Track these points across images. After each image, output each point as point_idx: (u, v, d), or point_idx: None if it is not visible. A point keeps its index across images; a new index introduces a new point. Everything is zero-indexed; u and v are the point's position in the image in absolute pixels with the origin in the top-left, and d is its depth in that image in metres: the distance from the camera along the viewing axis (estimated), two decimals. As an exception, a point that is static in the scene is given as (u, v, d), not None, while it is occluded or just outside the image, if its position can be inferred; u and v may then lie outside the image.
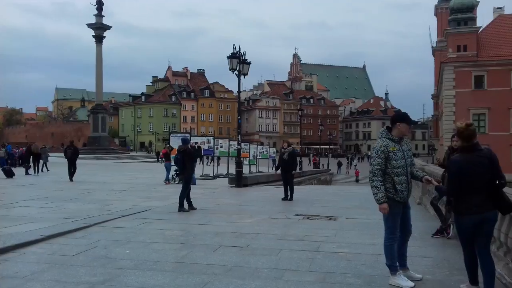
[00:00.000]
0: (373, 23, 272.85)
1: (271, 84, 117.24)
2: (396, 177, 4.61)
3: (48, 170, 24.88)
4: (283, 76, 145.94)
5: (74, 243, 6.69)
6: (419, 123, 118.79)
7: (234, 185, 17.40)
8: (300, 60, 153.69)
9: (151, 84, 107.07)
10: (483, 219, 4.19)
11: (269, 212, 10.18)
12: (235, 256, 5.95)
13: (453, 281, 4.93)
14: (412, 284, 4.65)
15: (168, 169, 18.47)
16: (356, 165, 59.31)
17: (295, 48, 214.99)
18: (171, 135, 21.18)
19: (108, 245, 6.59)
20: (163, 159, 19.59)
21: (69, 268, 5.31)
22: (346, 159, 72.67)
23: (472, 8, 49.84)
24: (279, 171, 13.47)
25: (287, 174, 12.86)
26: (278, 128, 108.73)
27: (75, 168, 18.87)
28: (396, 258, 4.80)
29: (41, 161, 24.31)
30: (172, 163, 16.67)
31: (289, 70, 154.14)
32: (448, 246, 6.71)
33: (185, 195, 10.42)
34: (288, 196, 12.72)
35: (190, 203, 10.52)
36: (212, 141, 22.84)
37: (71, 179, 18.39)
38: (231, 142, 25.10)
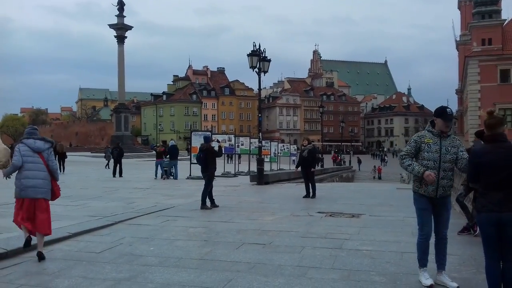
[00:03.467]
0: (398, 17, 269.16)
1: (291, 81, 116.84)
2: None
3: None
4: (303, 73, 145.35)
5: (100, 240, 6.82)
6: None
7: (255, 182, 17.43)
8: (321, 57, 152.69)
9: (172, 83, 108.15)
10: (503, 221, 3.76)
11: (291, 210, 10.16)
12: (258, 253, 5.96)
13: (480, 280, 4.82)
14: (430, 282, 4.57)
15: (158, 166, 20.19)
16: (386, 161, 59.07)
17: (315, 45, 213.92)
18: (192, 133, 21.34)
19: (133, 242, 6.69)
20: (168, 156, 20.40)
21: (96, 265, 5.42)
22: (371, 156, 71.76)
23: (496, 1, 48.64)
24: (299, 169, 13.42)
25: (307, 171, 12.82)
26: (299, 125, 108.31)
27: (121, 167, 20.89)
28: (424, 254, 4.71)
29: (66, 160, 24.77)
30: (194, 160, 17.10)
31: (309, 67, 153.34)
32: (474, 244, 6.56)
33: (207, 192, 10.50)
34: (309, 194, 12.68)
35: (212, 201, 10.59)
36: (233, 139, 22.91)
37: (117, 175, 20.33)
38: (252, 140, 25.13)
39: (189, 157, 22.98)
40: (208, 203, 10.44)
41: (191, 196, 12.64)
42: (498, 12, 47.79)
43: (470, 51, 47.90)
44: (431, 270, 4.75)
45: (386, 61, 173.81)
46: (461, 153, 4.56)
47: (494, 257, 3.85)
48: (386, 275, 4.99)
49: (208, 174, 10.68)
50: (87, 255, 5.92)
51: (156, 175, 20.14)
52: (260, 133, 19.27)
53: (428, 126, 4.68)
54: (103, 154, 32.33)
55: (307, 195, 12.67)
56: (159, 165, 20.23)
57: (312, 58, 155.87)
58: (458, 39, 70.81)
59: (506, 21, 47.17)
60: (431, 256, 4.79)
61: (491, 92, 44.18)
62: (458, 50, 69.20)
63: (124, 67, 55.43)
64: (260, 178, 17.35)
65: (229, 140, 22.52)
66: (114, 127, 57.54)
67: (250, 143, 24.63)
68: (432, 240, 4.73)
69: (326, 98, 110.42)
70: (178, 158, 21.43)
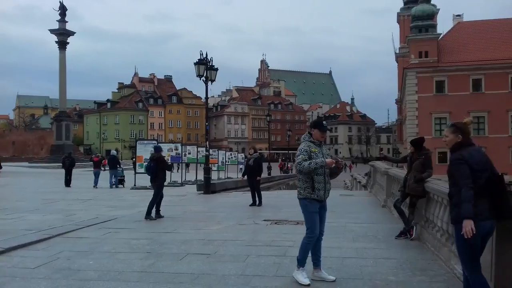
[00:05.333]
0: (345, 29, 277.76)
1: (239, 90, 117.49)
2: (315, 176, 5.00)
3: None
4: (252, 82, 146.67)
5: (35, 255, 6.48)
6: (383, 127, 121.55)
7: (202, 191, 17.29)
8: (268, 66, 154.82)
9: (117, 90, 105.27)
10: (490, 230, 3.77)
11: (237, 218, 10.17)
12: (202, 264, 5.91)
13: (416, 282, 5.07)
14: (308, 282, 4.93)
15: (96, 176, 20.70)
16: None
17: (263, 54, 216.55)
18: (137, 143, 20.88)
19: (71, 256, 6.42)
20: (105, 166, 21.07)
21: (30, 281, 5.14)
22: None
23: (432, 16, 51.62)
24: (245, 177, 13.48)
25: (253, 180, 12.91)
26: (247, 134, 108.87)
27: (71, 176, 20.93)
28: (306, 254, 5.08)
29: (0, 171, 23.44)
30: (143, 170, 17.53)
31: (257, 76, 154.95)
32: (411, 247, 6.88)
33: (155, 203, 10.33)
34: (256, 202, 12.75)
35: (158, 211, 10.39)
36: (180, 147, 22.64)
37: (68, 185, 20.41)
38: (200, 149, 24.96)
39: (132, 166, 22.97)
40: (153, 213, 10.24)
41: (135, 207, 12.34)
42: (434, 26, 50.73)
43: (408, 63, 50.43)
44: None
45: (330, 72, 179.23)
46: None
47: (480, 270, 3.77)
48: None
49: (158, 184, 10.51)
50: (21, 271, 5.61)
51: (95, 184, 20.31)
52: (207, 142, 19.19)
53: (308, 137, 5.18)
54: (50, 164, 31.43)
55: (253, 204, 12.73)
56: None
57: (260, 67, 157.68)
58: (397, 51, 74.43)
59: (441, 35, 50.15)
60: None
61: (428, 102, 46.73)
62: (397, 62, 72.74)
63: (65, 74, 53.35)
64: (207, 187, 17.25)
65: (176, 149, 22.24)
66: (54, 136, 55.06)
67: (198, 151, 24.45)
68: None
69: (273, 107, 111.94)
70: (121, 167, 21.74)
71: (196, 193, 17.30)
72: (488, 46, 46.67)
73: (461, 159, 3.77)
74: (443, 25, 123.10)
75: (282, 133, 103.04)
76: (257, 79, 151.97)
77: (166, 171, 10.90)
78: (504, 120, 45.04)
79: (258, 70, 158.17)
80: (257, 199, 12.76)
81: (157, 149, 10.85)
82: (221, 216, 10.79)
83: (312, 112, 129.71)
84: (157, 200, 10.37)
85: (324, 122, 5.26)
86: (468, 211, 3.55)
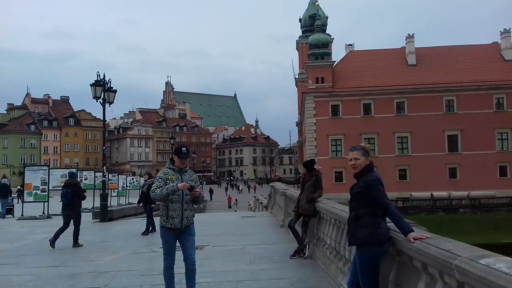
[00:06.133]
0: (251, 53, 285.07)
1: (143, 112, 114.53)
2: (170, 204, 4.97)
3: None
4: (156, 104, 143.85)
5: None
6: (286, 148, 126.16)
7: (98, 219, 16.36)
8: (173, 88, 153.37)
9: (6, 112, 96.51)
10: (386, 250, 3.97)
11: (133, 247, 9.76)
12: (89, 299, 5.54)
13: (305, 300, 5.25)
14: None
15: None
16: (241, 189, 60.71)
17: (168, 76, 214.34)
18: (26, 169, 19.24)
19: None
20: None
21: None
22: (227, 186, 74.08)
23: (327, 44, 55.40)
24: (141, 204, 13.01)
25: (147, 206, 12.52)
26: (151, 157, 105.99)
27: None
28: (171, 281, 5.16)
29: None
30: (31, 199, 17.38)
31: (162, 98, 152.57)
32: (304, 266, 7.13)
33: (78, 231, 9.99)
34: (148, 229, 12.24)
35: (55, 238, 9.76)
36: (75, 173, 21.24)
37: None
38: (97, 174, 23.67)
39: (17, 195, 21.65)
40: (53, 240, 9.59)
41: (21, 240, 11.29)
42: (329, 54, 54.41)
43: (306, 88, 53.31)
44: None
45: (235, 95, 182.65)
46: (198, 187, 5.21)
47: None
48: (221, 306, 5.07)
49: (76, 212, 10.11)
50: None
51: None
52: (104, 167, 18.31)
53: (168, 164, 5.22)
54: None
55: (145, 232, 12.19)
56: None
57: (165, 89, 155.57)
58: (297, 76, 78.18)
59: (335, 63, 53.92)
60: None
61: (325, 124, 49.67)
62: (297, 87, 76.29)
63: None
64: (104, 214, 16.36)
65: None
66: None
67: (95, 177, 23.17)
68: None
69: (179, 129, 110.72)
70: (11, 196, 20.56)
71: (92, 222, 16.30)
72: (377, 73, 51.21)
73: (377, 180, 3.92)
74: (337, 53, 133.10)
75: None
76: (162, 101, 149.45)
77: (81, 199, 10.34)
78: (391, 141, 49.35)
79: (163, 92, 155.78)
80: (150, 226, 12.27)
81: (72, 175, 10.52)
82: (116, 245, 10.28)
83: (218, 134, 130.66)
84: (79, 227, 10.08)
85: (183, 148, 5.19)
86: (409, 226, 3.70)
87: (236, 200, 48.20)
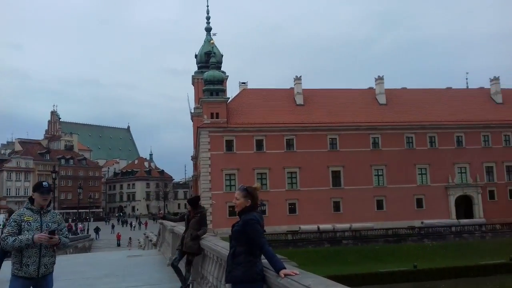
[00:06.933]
0: (147, 85, 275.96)
1: (23, 142, 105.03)
2: (25, 250, 4.36)
3: None
4: (39, 135, 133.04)
5: None
6: (181, 183, 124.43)
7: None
8: (60, 118, 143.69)
9: None
10: None
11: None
12: None
13: None
14: None
15: None
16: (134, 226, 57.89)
17: (54, 105, 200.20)
18: None
19: None
20: None
21: None
22: (118, 223, 70.19)
23: (222, 81, 56.76)
24: None
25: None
26: (31, 192, 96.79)
27: None
28: None
29: None
30: None
31: (47, 128, 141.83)
32: (186, 306, 7.01)
33: None
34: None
35: None
36: None
37: None
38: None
39: None
40: None
41: None
42: (223, 90, 55.70)
43: (201, 123, 53.70)
44: None
45: (129, 127, 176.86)
46: (62, 230, 4.71)
47: None
48: None
49: None
50: None
51: None
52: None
53: (27, 204, 4.68)
54: None
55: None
56: None
57: (50, 119, 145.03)
58: (193, 111, 78.42)
59: (230, 99, 55.30)
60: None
61: (219, 159, 50.24)
62: (192, 121, 76.43)
63: None
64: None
65: None
66: None
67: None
68: None
69: (64, 162, 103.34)
70: None
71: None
72: (268, 111, 53.60)
73: (254, 219, 4.08)
74: (232, 90, 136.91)
75: (73, 190, 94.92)
76: (46, 131, 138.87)
77: None
78: (282, 176, 51.43)
79: (48, 121, 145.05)
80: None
81: None
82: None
83: (108, 168, 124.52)
84: None
85: (44, 183, 4.64)
86: (281, 263, 3.85)
87: (130, 238, 45.82)
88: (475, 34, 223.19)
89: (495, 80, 60.75)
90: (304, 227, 47.64)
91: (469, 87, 70.66)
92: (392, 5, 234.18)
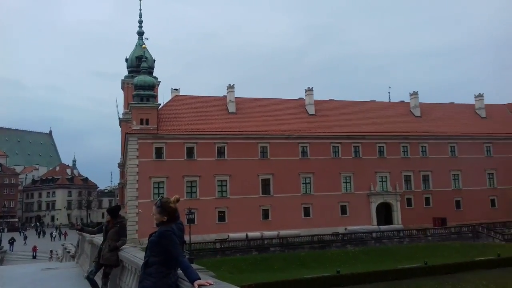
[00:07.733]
0: (73, 88, 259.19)
1: None
2: None
3: None
4: None
5: None
6: (106, 191, 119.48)
7: None
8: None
9: None
10: None
11: None
12: None
13: None
14: None
15: None
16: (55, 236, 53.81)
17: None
18: None
19: None
20: None
21: None
22: (19, 233, 65.51)
23: (153, 87, 55.44)
24: None
25: None
26: None
27: None
28: None
29: None
30: None
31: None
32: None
33: None
34: None
35: None
36: None
37: None
38: None
39: None
40: None
41: None
42: (154, 96, 54.35)
43: (130, 129, 52.01)
44: None
45: (51, 131, 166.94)
46: None
47: None
48: None
49: None
50: None
51: None
52: None
53: None
54: None
55: None
56: None
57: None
58: (121, 116, 75.74)
59: (161, 106, 54.13)
60: None
61: (148, 166, 48.90)
62: (121, 127, 73.82)
63: None
64: None
65: None
66: None
67: None
68: None
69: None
70: None
71: None
72: (200, 118, 53.27)
73: (171, 231, 4.10)
74: (164, 96, 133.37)
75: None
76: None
77: None
78: (212, 184, 51.15)
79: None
80: None
81: None
82: None
83: (26, 175, 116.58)
84: None
85: None
86: (196, 274, 3.83)
87: (51, 251, 42.80)
88: (398, 52, 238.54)
89: (414, 94, 65.16)
90: (233, 235, 47.64)
91: (391, 100, 75.17)
92: (327, 20, 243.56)
